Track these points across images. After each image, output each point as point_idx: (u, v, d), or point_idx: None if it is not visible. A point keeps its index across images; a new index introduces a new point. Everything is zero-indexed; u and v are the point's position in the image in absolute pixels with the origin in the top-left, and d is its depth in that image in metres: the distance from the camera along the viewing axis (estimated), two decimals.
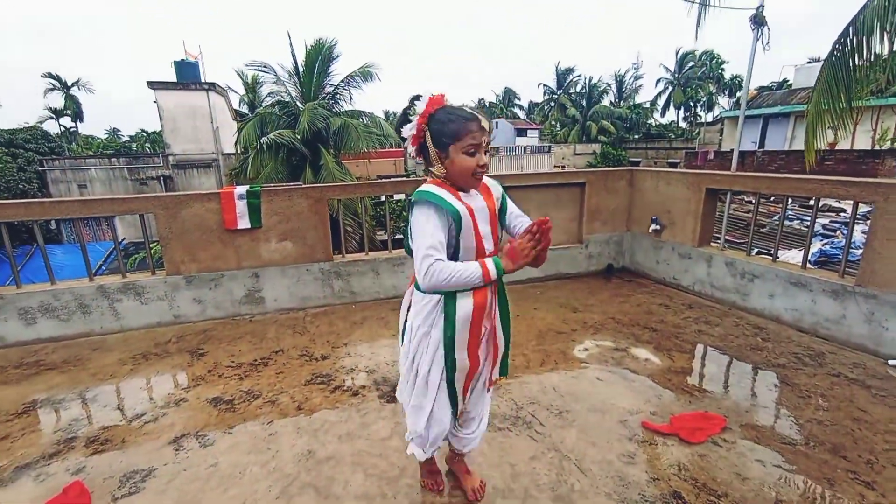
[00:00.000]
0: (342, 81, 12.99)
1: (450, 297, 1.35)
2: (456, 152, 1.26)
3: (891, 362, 2.70)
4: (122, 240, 15.52)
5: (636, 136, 35.30)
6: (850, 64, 3.86)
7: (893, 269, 2.70)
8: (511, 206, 1.52)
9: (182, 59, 18.83)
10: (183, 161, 18.04)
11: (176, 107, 17.61)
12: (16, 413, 2.43)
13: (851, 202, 3.02)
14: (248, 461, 1.99)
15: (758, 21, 5.76)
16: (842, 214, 9.43)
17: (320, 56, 12.32)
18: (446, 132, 1.25)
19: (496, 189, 1.47)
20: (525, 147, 29.54)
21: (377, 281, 4.04)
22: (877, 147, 14.56)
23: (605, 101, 36.42)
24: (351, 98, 13.44)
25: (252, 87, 16.99)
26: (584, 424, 2.22)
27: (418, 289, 1.41)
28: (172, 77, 18.35)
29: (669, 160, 25.81)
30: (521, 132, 36.03)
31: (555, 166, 27.53)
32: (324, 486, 1.84)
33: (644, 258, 4.61)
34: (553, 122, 38.91)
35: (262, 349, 3.13)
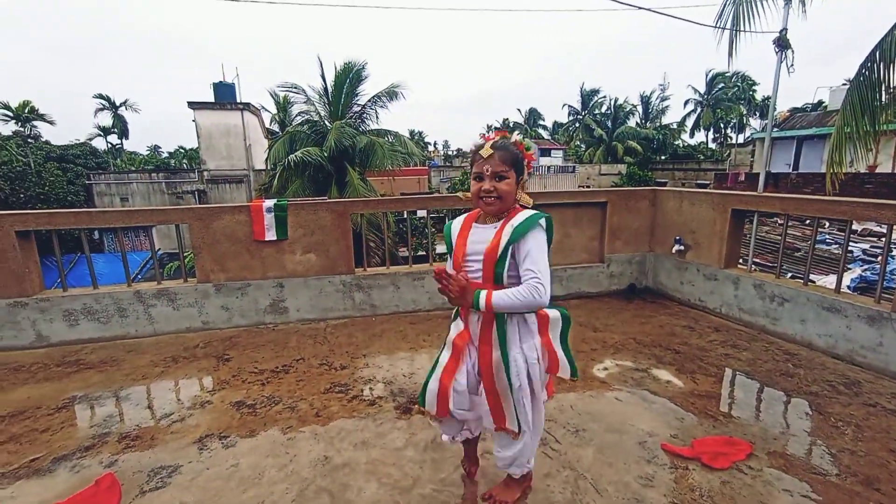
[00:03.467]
0: (369, 101, 13.46)
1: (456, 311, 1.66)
2: (471, 179, 1.49)
3: None
4: (158, 250, 16.26)
5: (663, 157, 34.81)
6: (875, 87, 3.77)
7: None
8: (527, 250, 1.39)
9: (220, 81, 19.90)
10: (217, 176, 18.89)
11: (212, 125, 18.57)
12: (56, 408, 2.58)
13: (888, 226, 2.91)
14: (267, 464, 2.04)
15: (781, 44, 5.70)
16: (883, 240, 9.00)
17: (349, 78, 12.81)
18: (470, 163, 1.50)
19: (520, 226, 1.40)
20: (549, 167, 29.55)
21: (397, 294, 4.11)
22: None
23: (631, 122, 36.23)
24: (377, 117, 13.89)
25: (283, 106, 17.82)
26: (601, 444, 2.18)
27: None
28: (211, 97, 19.41)
29: (698, 181, 25.28)
30: (545, 152, 36.10)
31: (579, 186, 27.37)
32: (338, 491, 1.87)
33: (667, 279, 4.52)
34: (578, 143, 38.87)
35: (283, 357, 3.22)
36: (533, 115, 48.11)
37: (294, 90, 13.36)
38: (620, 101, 36.13)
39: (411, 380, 2.86)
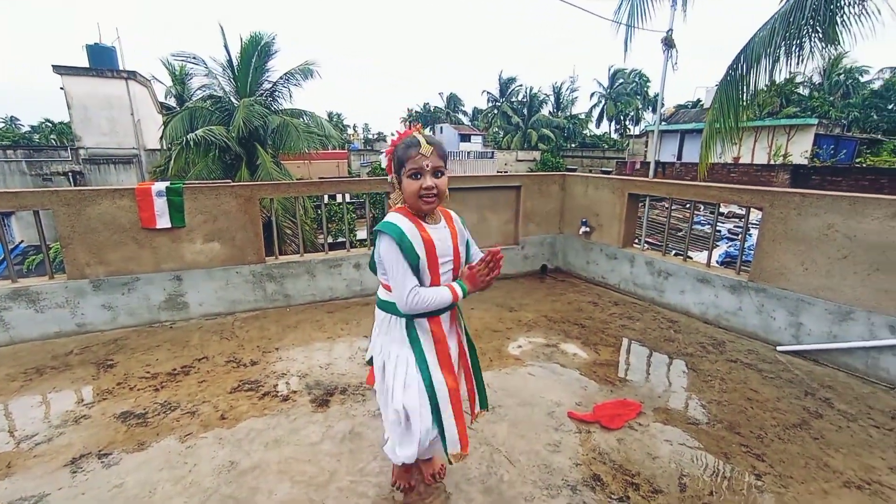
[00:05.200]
0: (281, 78, 12.47)
1: (409, 319, 1.46)
2: (404, 177, 1.37)
3: (778, 349, 3.08)
4: (20, 242, 13.70)
5: (573, 145, 37.35)
6: (739, 87, 4.37)
7: (777, 267, 3.08)
8: (470, 243, 1.61)
9: (96, 44, 17.09)
10: (97, 155, 16.34)
11: (88, 95, 15.93)
12: None
13: (745, 207, 3.41)
14: (160, 478, 1.84)
15: (668, 43, 6.34)
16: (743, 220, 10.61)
17: (257, 51, 11.74)
18: (399, 160, 1.37)
19: (458, 218, 1.57)
20: (469, 152, 30.11)
21: (313, 283, 3.92)
22: (772, 161, 16.59)
23: (545, 111, 38.22)
24: (291, 96, 12.94)
25: (180, 78, 15.82)
26: (514, 418, 2.30)
27: (383, 309, 1.51)
28: (85, 62, 16.58)
29: (603, 168, 27.56)
30: (465, 137, 36.72)
31: (498, 171, 28.33)
32: (245, 497, 1.74)
33: (575, 258, 4.88)
34: (496, 129, 40.09)
35: (183, 357, 2.91)
36: (453, 101, 48.46)
37: (193, 61, 11.86)
38: (535, 91, 37.87)
39: (328, 370, 2.75)
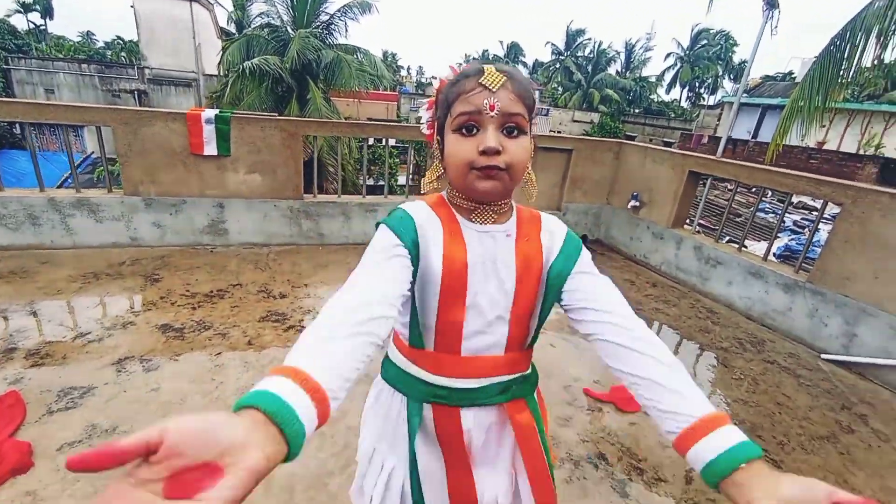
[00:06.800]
0: (339, 10, 12.11)
1: (412, 398, 0.79)
2: (448, 132, 0.70)
3: (823, 356, 2.85)
4: (91, 153, 14.73)
5: (637, 111, 34.71)
6: (839, 63, 3.77)
7: (844, 271, 2.78)
8: (595, 283, 0.74)
9: None
10: (160, 76, 16.90)
11: (154, 14, 16.23)
12: None
13: (821, 201, 3.05)
14: (191, 389, 1.99)
15: (771, 2, 5.51)
16: (814, 213, 9.66)
17: None
18: (446, 103, 0.71)
19: (557, 231, 0.79)
20: None
21: (347, 225, 3.96)
22: (861, 151, 14.75)
23: (612, 70, 35.35)
24: (346, 30, 12.61)
25: (241, 4, 15.70)
26: None
27: (382, 373, 0.87)
28: None
29: (665, 139, 25.61)
30: None
31: (550, 131, 27.00)
32: None
33: (619, 233, 4.64)
34: (556, 86, 37.74)
35: (220, 281, 3.07)
36: (514, 50, 45.65)
37: None
38: (604, 47, 34.89)
39: None
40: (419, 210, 0.74)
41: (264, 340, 2.43)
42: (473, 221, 0.73)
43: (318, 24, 12.24)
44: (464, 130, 0.67)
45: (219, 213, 3.62)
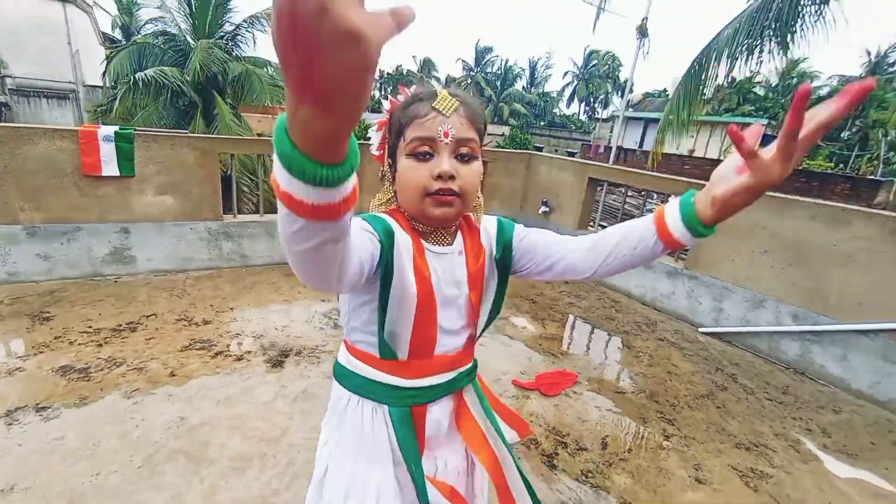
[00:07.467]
0: (244, 21, 11.57)
1: (395, 405, 0.80)
2: (401, 157, 0.71)
3: (700, 330, 3.42)
4: None
5: (542, 123, 37.56)
6: (700, 81, 4.59)
7: (710, 257, 3.38)
8: (542, 236, 0.86)
9: None
10: (26, 87, 14.69)
11: (18, 15, 14.16)
12: None
13: None
14: (106, 432, 1.85)
15: (642, 32, 6.47)
16: None
17: None
18: (398, 126, 0.72)
19: (491, 227, 0.86)
20: None
21: (272, 245, 3.86)
22: (723, 157, 17.55)
23: (518, 86, 37.94)
24: (255, 43, 12.07)
25: (128, 8, 14.31)
26: None
27: (342, 381, 0.84)
28: None
29: (569, 150, 28.03)
30: None
31: None
32: (196, 451, 1.80)
33: None
34: None
35: (128, 313, 2.83)
36: (428, 65, 46.94)
37: None
38: (511, 63, 37.37)
39: (283, 332, 2.79)
40: (391, 220, 0.73)
41: (189, 370, 2.31)
42: (430, 243, 0.76)
43: (223, 34, 11.58)
44: (418, 156, 0.69)
45: (123, 240, 3.32)
